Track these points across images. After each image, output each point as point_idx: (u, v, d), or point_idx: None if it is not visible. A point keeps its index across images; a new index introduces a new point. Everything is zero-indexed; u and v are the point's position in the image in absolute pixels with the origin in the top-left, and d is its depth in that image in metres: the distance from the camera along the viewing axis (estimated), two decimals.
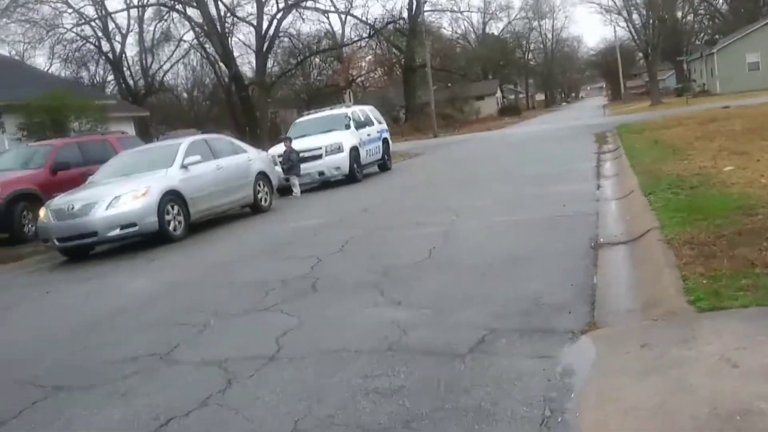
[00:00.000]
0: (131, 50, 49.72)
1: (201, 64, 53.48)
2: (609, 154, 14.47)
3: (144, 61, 49.91)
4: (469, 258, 6.12)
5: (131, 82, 48.64)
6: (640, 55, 56.22)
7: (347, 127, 15.67)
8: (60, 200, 9.39)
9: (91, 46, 46.13)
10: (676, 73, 67.21)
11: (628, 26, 48.83)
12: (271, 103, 45.65)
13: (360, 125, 16.27)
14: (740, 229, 5.21)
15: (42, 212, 9.36)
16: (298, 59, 49.06)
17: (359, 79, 57.79)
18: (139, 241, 9.64)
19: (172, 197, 9.43)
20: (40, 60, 41.21)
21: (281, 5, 40.11)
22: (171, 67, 51.62)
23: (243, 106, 44.10)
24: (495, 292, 4.88)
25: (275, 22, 40.46)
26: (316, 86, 55.04)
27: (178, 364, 4.18)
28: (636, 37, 49.06)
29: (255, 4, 40.08)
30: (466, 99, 57.02)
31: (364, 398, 3.30)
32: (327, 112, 17.02)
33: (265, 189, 11.86)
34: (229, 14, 41.64)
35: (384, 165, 17.68)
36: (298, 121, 17.07)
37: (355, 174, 15.02)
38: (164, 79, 51.89)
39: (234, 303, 5.46)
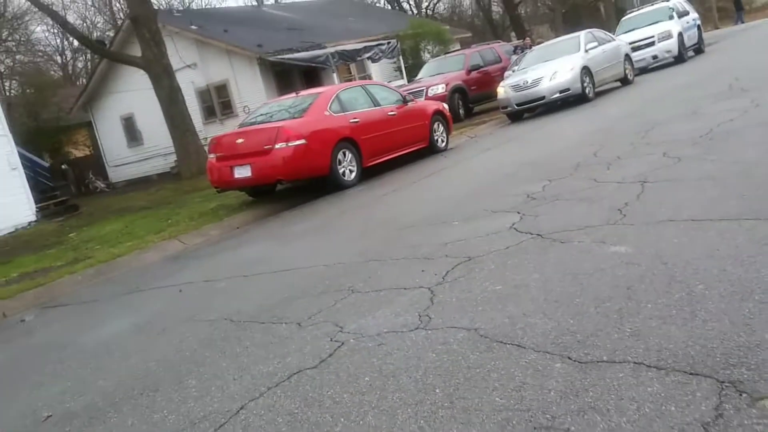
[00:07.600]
0: None
1: None
2: None
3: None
4: None
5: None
6: None
7: (671, 17, 18.95)
8: (511, 80, 14.59)
9: None
10: None
11: None
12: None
13: (680, 15, 19.41)
14: None
15: (501, 90, 14.59)
16: None
17: None
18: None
19: (585, 71, 14.06)
20: None
21: None
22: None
23: (514, 25, 48.22)
24: None
25: None
26: None
27: (651, 145, 8.64)
28: None
29: None
30: None
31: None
32: (650, 7, 20.37)
33: (629, 67, 15.99)
34: None
35: (699, 49, 20.59)
36: (624, 18, 20.67)
37: (683, 55, 18.38)
38: (434, 11, 58.21)
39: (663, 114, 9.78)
